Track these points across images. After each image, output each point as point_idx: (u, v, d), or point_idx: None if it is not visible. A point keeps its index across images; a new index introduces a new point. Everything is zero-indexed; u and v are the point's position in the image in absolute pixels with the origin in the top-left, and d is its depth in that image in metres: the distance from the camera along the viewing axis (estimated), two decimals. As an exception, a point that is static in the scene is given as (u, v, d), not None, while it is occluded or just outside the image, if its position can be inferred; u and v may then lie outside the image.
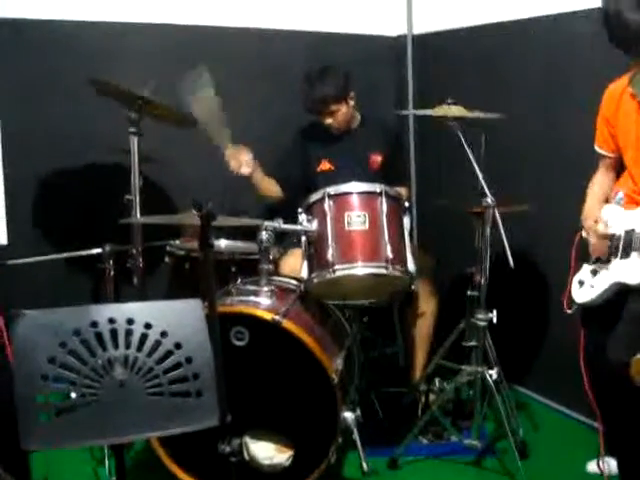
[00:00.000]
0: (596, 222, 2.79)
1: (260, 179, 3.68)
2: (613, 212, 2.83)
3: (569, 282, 2.94)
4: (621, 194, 2.82)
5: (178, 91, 3.20)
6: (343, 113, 3.67)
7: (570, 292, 2.92)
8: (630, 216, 2.72)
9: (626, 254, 2.67)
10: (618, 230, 2.75)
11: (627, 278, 2.65)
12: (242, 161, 3.52)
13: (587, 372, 2.85)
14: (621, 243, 2.72)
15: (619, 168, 2.92)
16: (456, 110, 3.12)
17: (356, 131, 3.83)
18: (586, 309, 2.86)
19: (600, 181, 2.98)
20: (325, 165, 3.78)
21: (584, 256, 2.90)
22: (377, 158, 3.77)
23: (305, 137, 3.86)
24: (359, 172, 3.56)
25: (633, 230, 2.67)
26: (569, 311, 2.91)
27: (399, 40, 4.65)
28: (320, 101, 3.59)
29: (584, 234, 2.93)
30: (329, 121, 3.67)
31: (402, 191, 3.65)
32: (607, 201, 2.91)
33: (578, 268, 2.92)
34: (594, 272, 2.82)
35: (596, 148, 2.94)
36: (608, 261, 2.76)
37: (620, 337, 2.64)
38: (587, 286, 2.83)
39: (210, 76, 3.24)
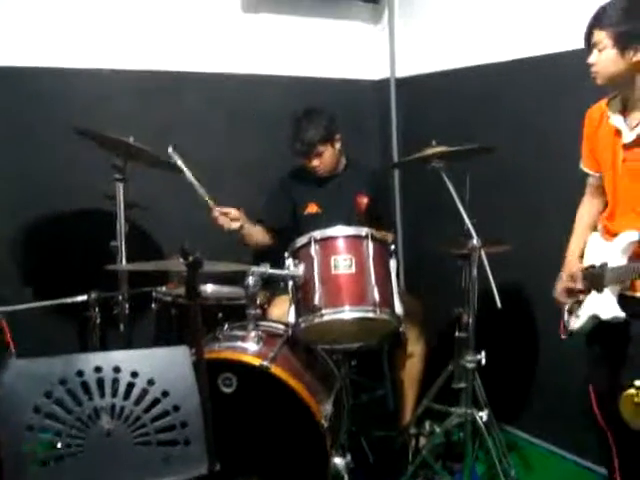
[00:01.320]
0: (572, 278, 2.84)
1: (249, 231, 3.69)
2: (595, 242, 2.86)
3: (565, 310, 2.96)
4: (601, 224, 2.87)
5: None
6: (330, 155, 3.69)
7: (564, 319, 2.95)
8: (605, 248, 2.76)
9: (600, 288, 2.70)
10: (596, 261, 2.78)
11: (601, 312, 2.69)
12: (230, 217, 3.54)
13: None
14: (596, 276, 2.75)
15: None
16: (438, 151, 3.14)
17: (342, 174, 3.85)
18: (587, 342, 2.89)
19: (586, 209, 3.02)
20: (312, 208, 3.78)
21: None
22: (363, 200, 3.78)
23: (291, 181, 3.88)
24: (346, 214, 3.60)
25: (606, 264, 2.70)
26: (563, 337, 2.92)
27: (382, 83, 4.70)
28: (307, 143, 3.60)
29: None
30: (315, 163, 3.68)
31: (387, 236, 3.66)
32: (595, 228, 2.96)
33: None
34: (579, 302, 2.85)
35: (582, 167, 2.99)
36: (589, 292, 2.79)
37: (605, 375, 2.66)
38: (575, 315, 2.86)
39: (177, 155, 3.32)
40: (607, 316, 2.65)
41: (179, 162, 3.32)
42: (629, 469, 2.82)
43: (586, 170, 2.98)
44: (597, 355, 2.84)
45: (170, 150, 3.31)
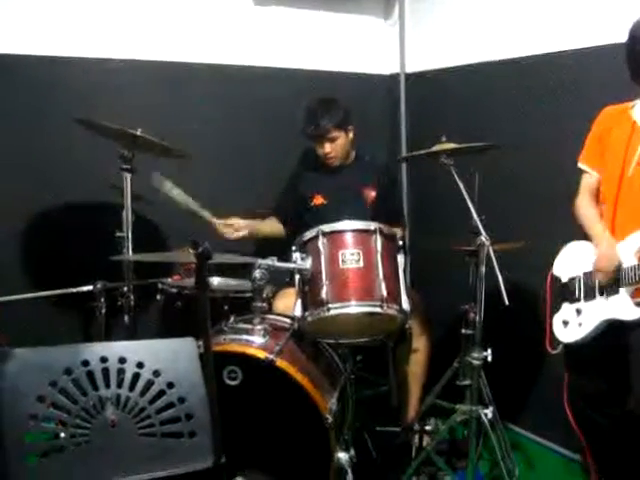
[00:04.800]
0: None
1: (258, 231, 3.77)
2: (589, 248, 2.84)
3: (548, 323, 2.93)
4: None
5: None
6: (342, 143, 3.68)
7: (552, 332, 2.91)
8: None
9: (614, 290, 2.66)
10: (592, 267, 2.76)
11: (620, 314, 2.64)
12: (235, 227, 3.58)
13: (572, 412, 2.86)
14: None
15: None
16: (449, 148, 3.12)
17: (350, 167, 3.83)
18: (570, 352, 2.86)
19: (591, 205, 2.94)
20: (318, 199, 3.78)
21: (561, 295, 2.90)
22: (371, 193, 3.76)
23: (300, 169, 3.91)
24: (352, 206, 3.60)
25: (621, 264, 2.66)
26: (553, 352, 2.90)
27: (392, 78, 4.69)
28: (323, 126, 3.60)
29: (555, 273, 2.94)
30: (327, 149, 3.67)
31: (397, 230, 3.65)
32: None
33: (556, 308, 2.92)
34: (578, 311, 2.80)
35: (580, 165, 2.96)
36: (592, 298, 2.75)
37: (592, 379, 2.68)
38: (574, 325, 2.82)
39: (165, 181, 3.32)
40: (630, 317, 2.61)
41: (167, 189, 3.32)
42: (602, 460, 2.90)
43: (585, 167, 2.94)
44: (585, 361, 2.82)
45: (156, 177, 3.31)
